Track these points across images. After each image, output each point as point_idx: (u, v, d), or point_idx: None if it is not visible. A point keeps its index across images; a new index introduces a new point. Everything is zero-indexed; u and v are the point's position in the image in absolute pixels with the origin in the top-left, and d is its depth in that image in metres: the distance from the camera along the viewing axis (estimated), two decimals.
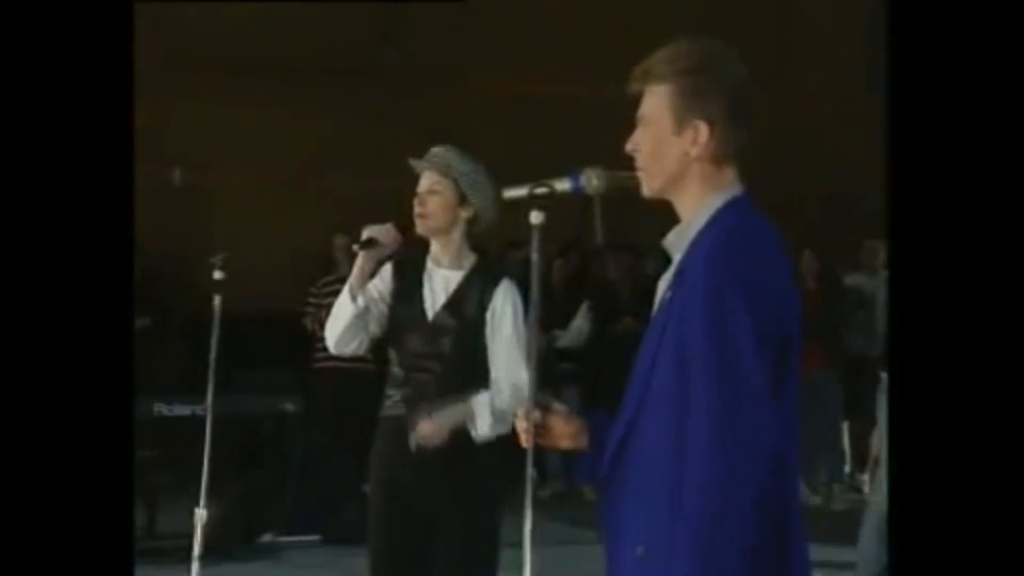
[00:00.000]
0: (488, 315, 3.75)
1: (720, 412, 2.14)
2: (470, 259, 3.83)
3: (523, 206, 2.48)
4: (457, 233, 3.79)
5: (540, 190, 2.44)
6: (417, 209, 3.77)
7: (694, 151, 2.32)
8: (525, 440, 2.42)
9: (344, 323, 3.79)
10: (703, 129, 2.31)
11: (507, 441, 3.78)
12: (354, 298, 3.78)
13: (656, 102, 2.34)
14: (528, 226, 2.44)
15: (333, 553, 7.03)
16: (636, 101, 2.38)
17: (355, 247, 3.80)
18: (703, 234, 2.29)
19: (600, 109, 2.49)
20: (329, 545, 7.20)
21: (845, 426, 9.21)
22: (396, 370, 3.82)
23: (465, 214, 3.78)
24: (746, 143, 2.34)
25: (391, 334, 3.84)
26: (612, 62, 2.42)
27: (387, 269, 3.88)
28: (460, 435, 3.67)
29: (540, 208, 2.44)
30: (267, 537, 7.22)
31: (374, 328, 3.84)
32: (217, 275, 4.28)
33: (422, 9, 11.18)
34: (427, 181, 3.79)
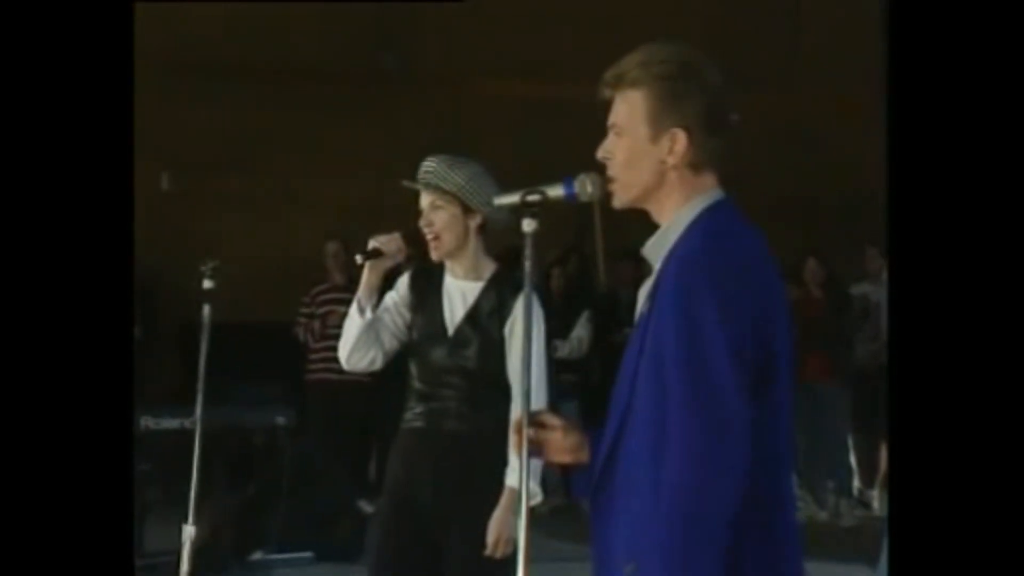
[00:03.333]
0: (507, 328, 3.72)
1: (691, 427, 2.14)
2: (489, 268, 3.81)
3: (516, 213, 2.49)
4: (471, 245, 3.78)
5: (532, 197, 2.44)
6: (426, 231, 3.75)
7: (671, 159, 2.31)
8: (517, 453, 2.42)
9: (354, 338, 3.78)
10: (681, 137, 2.30)
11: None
12: (362, 311, 3.77)
13: (630, 108, 2.33)
14: (521, 233, 2.45)
15: (326, 571, 7.04)
16: (607, 107, 2.36)
17: (358, 258, 3.79)
18: (680, 242, 2.28)
19: (602, 113, 2.49)
20: (322, 563, 7.20)
21: (852, 440, 9.20)
22: (417, 384, 3.80)
23: (474, 223, 3.75)
24: (725, 148, 2.33)
25: (411, 348, 3.83)
26: (604, 67, 2.42)
27: (403, 281, 3.88)
28: (479, 452, 3.67)
29: (533, 215, 2.44)
30: (258, 555, 7.22)
31: (389, 342, 3.83)
32: (206, 284, 4.28)
33: (421, 11, 11.20)
34: (428, 198, 3.77)
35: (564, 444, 2.44)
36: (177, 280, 9.72)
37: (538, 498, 3.62)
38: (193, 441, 4.36)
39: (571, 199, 2.47)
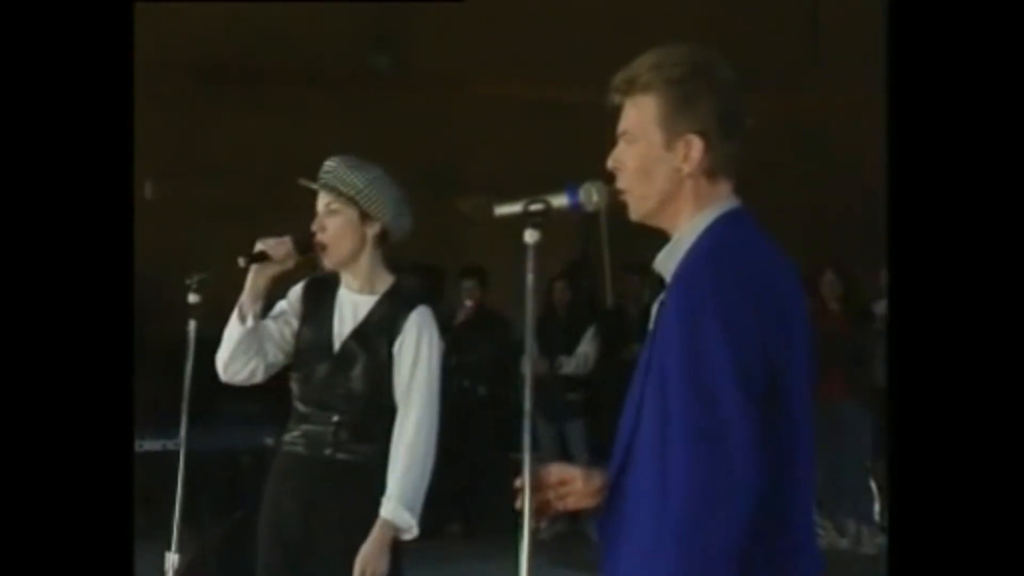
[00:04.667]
0: (396, 347, 3.62)
1: (693, 452, 2.12)
2: (386, 282, 3.72)
3: (517, 224, 2.47)
4: (366, 256, 3.69)
5: (535, 206, 2.43)
6: (317, 236, 3.67)
7: (687, 167, 2.30)
8: (527, 512, 2.38)
9: (232, 347, 3.69)
10: (696, 143, 2.29)
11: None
12: (243, 319, 3.67)
13: (642, 114, 2.32)
14: (522, 246, 2.43)
15: None
16: (616, 114, 2.36)
17: (241, 261, 3.70)
18: (690, 254, 2.27)
19: (605, 117, 2.48)
20: None
21: (873, 463, 9.17)
22: (298, 404, 3.73)
23: (372, 231, 3.67)
24: (740, 154, 2.33)
25: (295, 364, 3.75)
26: (619, 66, 2.42)
27: (296, 289, 3.80)
28: (357, 483, 3.59)
29: (535, 226, 2.43)
30: None
31: (273, 353, 3.73)
32: (192, 298, 4.28)
33: (417, 11, 11.21)
34: (323, 201, 3.68)
35: (586, 490, 2.41)
36: (161, 294, 9.73)
37: (413, 532, 3.55)
38: (176, 463, 4.35)
39: (576, 209, 2.46)
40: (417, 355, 3.61)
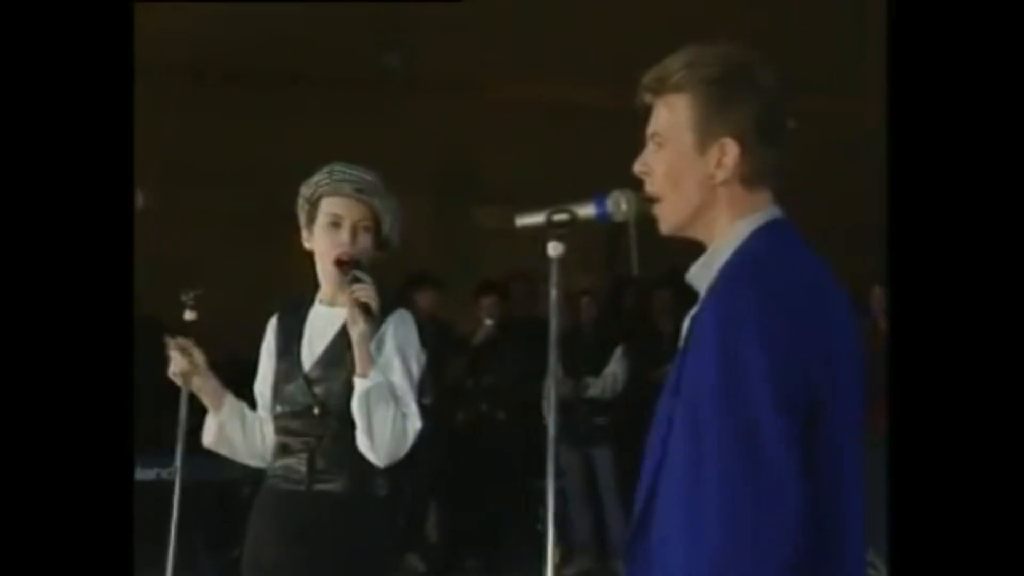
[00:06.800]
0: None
1: (731, 494, 2.08)
2: None
3: (540, 235, 2.47)
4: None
5: (559, 217, 2.42)
6: (353, 253, 3.65)
7: (721, 173, 2.27)
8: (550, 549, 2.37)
9: (239, 454, 3.82)
10: (731, 147, 2.26)
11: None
12: (222, 427, 3.79)
13: (673, 116, 2.29)
14: (546, 258, 2.43)
15: None
16: (646, 114, 2.33)
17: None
18: (725, 269, 2.24)
19: (629, 121, 2.48)
20: None
21: None
22: (279, 437, 3.74)
23: (382, 256, 3.74)
24: (781, 161, 2.30)
25: (273, 397, 3.78)
26: (643, 67, 2.41)
27: (272, 324, 3.85)
28: (333, 509, 3.61)
29: (559, 238, 2.42)
30: None
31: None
32: (188, 315, 4.29)
33: (425, 11, 11.24)
34: (357, 213, 3.67)
35: None
36: (155, 310, 9.76)
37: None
38: (171, 494, 4.35)
39: (603, 219, 2.45)
40: (387, 362, 3.60)
